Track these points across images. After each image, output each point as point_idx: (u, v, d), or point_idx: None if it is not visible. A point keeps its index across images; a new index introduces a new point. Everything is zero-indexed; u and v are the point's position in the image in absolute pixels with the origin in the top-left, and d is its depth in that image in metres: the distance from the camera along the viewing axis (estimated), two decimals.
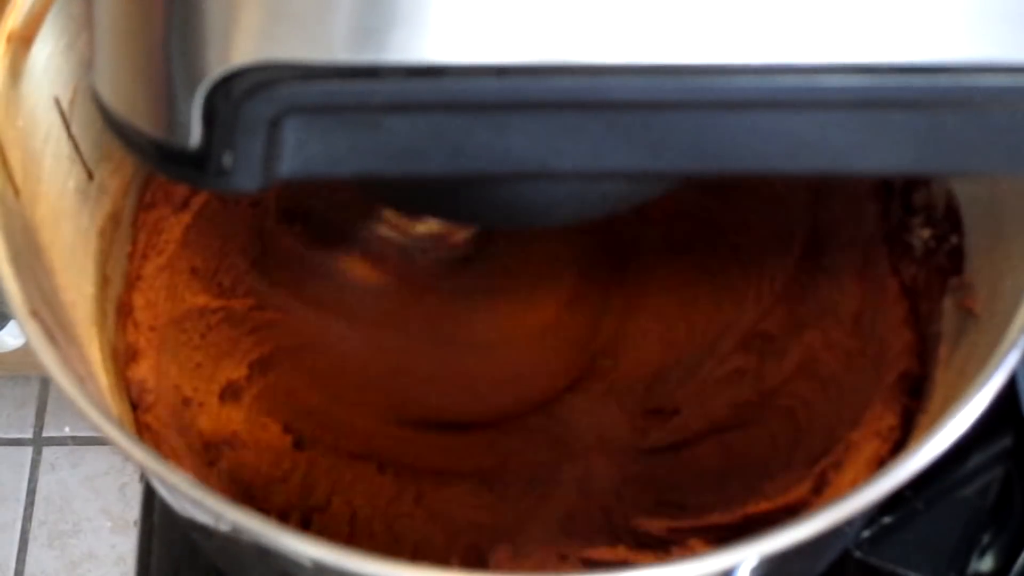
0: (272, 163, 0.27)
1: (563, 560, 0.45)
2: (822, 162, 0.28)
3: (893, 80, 0.26)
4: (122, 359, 0.44)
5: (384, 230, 0.51)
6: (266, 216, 0.51)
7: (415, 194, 0.34)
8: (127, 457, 0.32)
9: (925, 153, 0.27)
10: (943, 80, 0.26)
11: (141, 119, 0.27)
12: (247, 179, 0.27)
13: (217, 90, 0.26)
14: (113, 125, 0.28)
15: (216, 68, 0.25)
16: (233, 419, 0.48)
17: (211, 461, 0.46)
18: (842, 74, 0.26)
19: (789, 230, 0.49)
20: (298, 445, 0.49)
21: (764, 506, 0.43)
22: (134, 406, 0.43)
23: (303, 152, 0.27)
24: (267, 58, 0.25)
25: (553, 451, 0.48)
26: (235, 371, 0.48)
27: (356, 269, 0.51)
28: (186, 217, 0.47)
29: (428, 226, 0.50)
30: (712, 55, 0.26)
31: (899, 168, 0.28)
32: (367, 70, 0.25)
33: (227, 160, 0.26)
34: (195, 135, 0.26)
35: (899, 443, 0.41)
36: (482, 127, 0.27)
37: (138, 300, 0.45)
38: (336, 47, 0.25)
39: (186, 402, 0.46)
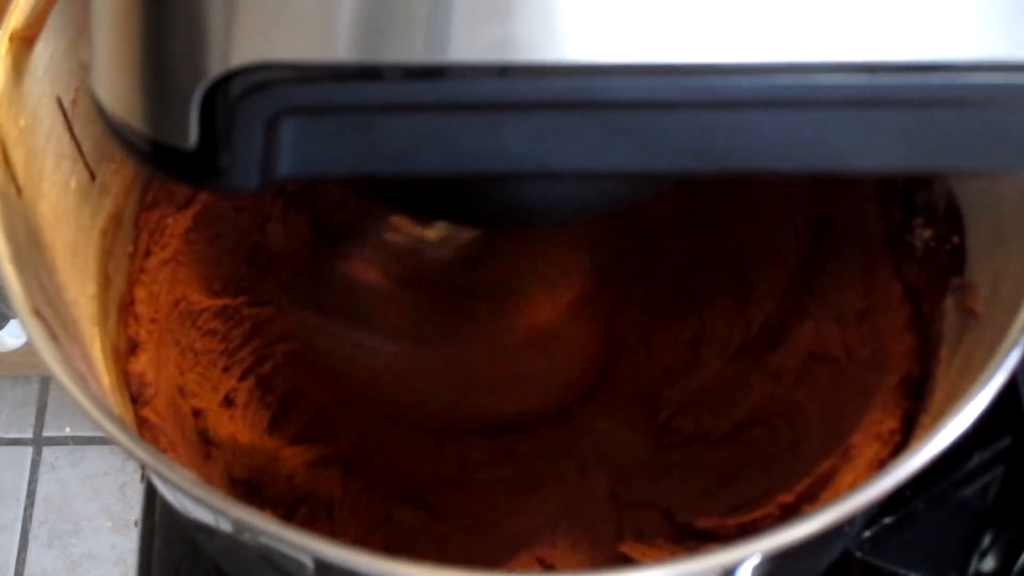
0: (269, 163, 0.27)
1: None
2: (820, 161, 0.28)
3: (890, 79, 0.26)
4: (122, 354, 0.44)
5: (390, 232, 0.50)
6: (267, 216, 0.51)
7: (413, 194, 0.34)
8: (129, 456, 0.32)
9: (923, 151, 0.27)
10: (940, 78, 0.26)
11: (139, 120, 0.27)
12: (244, 179, 0.27)
13: (215, 90, 0.26)
14: (112, 127, 0.28)
15: (215, 68, 0.25)
16: (232, 415, 0.48)
17: (209, 454, 0.46)
18: (839, 73, 0.26)
19: (792, 235, 0.49)
20: (295, 442, 0.49)
21: (764, 511, 0.44)
22: (133, 400, 0.43)
23: (300, 152, 0.27)
24: (266, 58, 0.25)
25: (557, 463, 0.48)
26: (234, 367, 0.48)
27: (359, 269, 0.51)
28: (189, 214, 0.47)
29: (437, 230, 0.50)
30: (709, 54, 0.26)
31: (897, 167, 0.28)
32: (365, 71, 0.25)
33: (224, 160, 0.27)
34: (192, 135, 0.26)
35: (899, 446, 0.41)
36: (480, 127, 0.27)
37: (140, 293, 0.45)
38: (335, 48, 0.25)
39: (185, 396, 0.46)
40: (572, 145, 0.27)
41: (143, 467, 0.36)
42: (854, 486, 0.36)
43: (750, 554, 0.30)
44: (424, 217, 0.47)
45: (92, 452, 1.14)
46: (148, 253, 0.46)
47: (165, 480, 0.32)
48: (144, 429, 0.42)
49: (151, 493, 0.54)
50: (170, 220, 0.47)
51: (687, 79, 0.26)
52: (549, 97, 0.26)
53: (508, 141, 0.27)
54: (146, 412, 0.43)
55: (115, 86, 0.28)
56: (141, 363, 0.44)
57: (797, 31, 0.25)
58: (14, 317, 0.35)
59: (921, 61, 0.26)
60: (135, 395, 0.43)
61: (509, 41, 0.25)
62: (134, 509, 1.11)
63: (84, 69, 0.41)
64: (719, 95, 0.26)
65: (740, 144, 0.27)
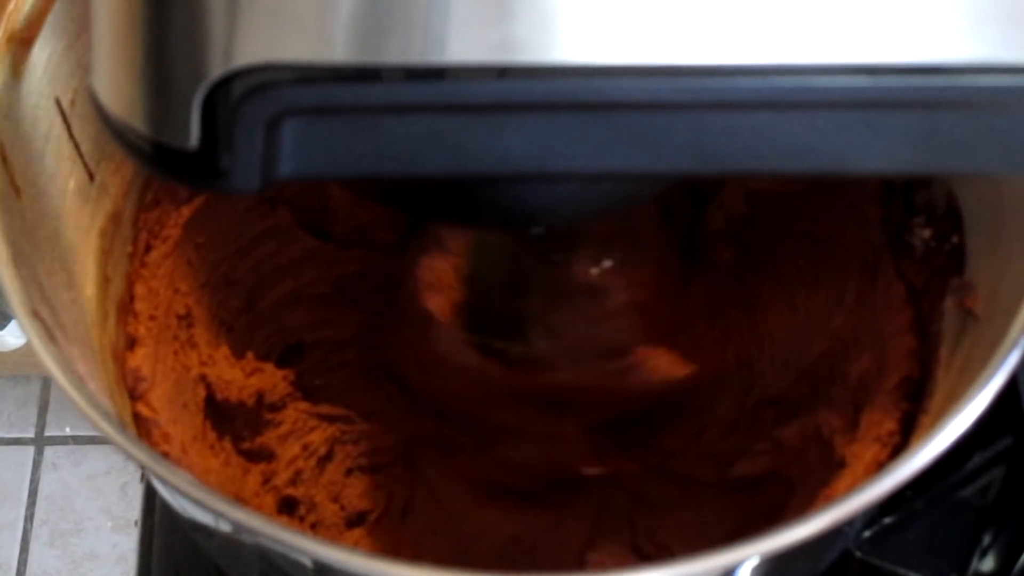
0: (271, 164, 0.27)
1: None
2: (821, 162, 0.28)
3: (892, 80, 0.26)
4: (121, 353, 0.44)
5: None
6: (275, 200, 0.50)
7: (414, 195, 0.34)
8: (128, 457, 0.32)
9: (924, 153, 0.27)
10: (942, 80, 0.26)
11: (139, 120, 0.27)
12: (245, 180, 0.27)
13: (216, 91, 0.26)
14: (111, 127, 0.28)
15: (216, 69, 0.25)
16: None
17: (210, 446, 0.46)
18: (841, 75, 0.26)
19: (796, 237, 0.49)
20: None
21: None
22: (129, 396, 0.43)
23: (302, 153, 0.27)
24: (267, 59, 0.25)
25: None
26: (232, 363, 0.49)
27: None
28: (188, 211, 0.47)
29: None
30: (711, 56, 0.25)
31: (899, 168, 0.28)
32: (366, 72, 0.25)
33: (225, 161, 0.26)
34: (194, 136, 0.26)
35: (899, 448, 0.41)
36: (481, 128, 0.27)
37: (139, 290, 0.45)
38: (336, 49, 0.25)
39: (183, 390, 0.46)
40: (573, 146, 0.27)
41: (142, 467, 0.36)
42: (853, 488, 0.36)
43: (749, 555, 0.30)
44: (423, 218, 0.47)
45: (93, 451, 1.14)
46: (148, 248, 0.46)
47: (163, 481, 0.32)
48: (138, 424, 0.42)
49: (151, 493, 0.54)
50: (171, 215, 0.47)
51: (689, 80, 0.26)
52: (550, 98, 0.26)
53: (509, 142, 0.27)
54: (139, 407, 0.43)
55: (116, 86, 0.28)
56: (137, 358, 0.44)
57: (800, 33, 0.25)
58: (14, 317, 0.35)
59: (924, 63, 0.26)
60: (130, 390, 0.43)
61: (509, 42, 0.25)
62: (135, 508, 1.11)
63: (84, 69, 0.41)
64: (722, 96, 0.26)
65: (743, 146, 0.27)
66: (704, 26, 0.25)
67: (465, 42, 0.25)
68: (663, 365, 0.48)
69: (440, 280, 0.48)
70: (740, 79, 0.26)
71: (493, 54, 0.25)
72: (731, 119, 0.27)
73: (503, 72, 0.25)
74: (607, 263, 0.50)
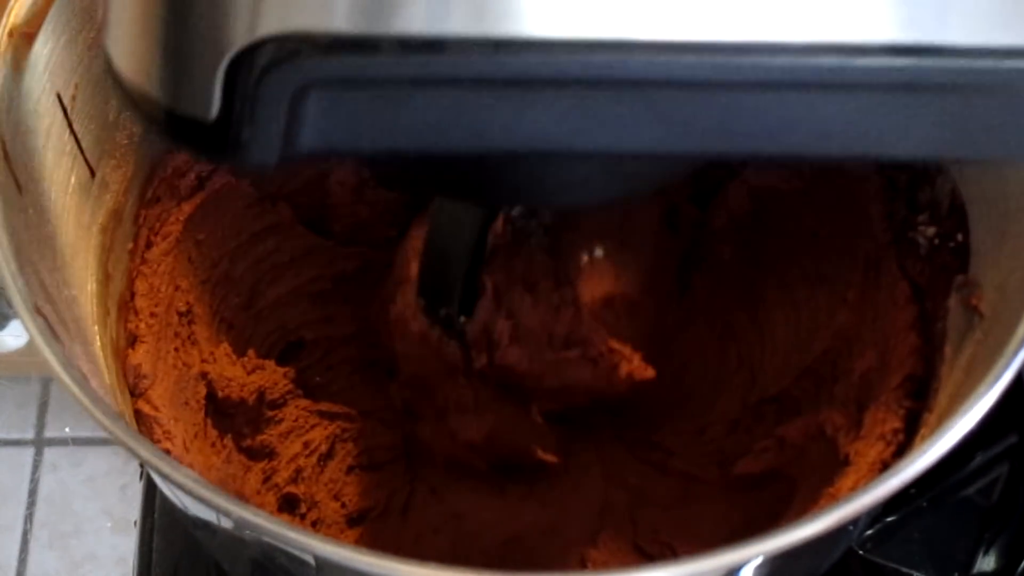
0: (291, 138, 0.26)
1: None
2: (854, 146, 0.27)
3: (927, 62, 0.25)
4: (122, 350, 0.43)
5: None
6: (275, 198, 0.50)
7: (434, 170, 0.33)
8: (131, 454, 0.32)
9: (959, 138, 0.27)
10: (978, 63, 0.25)
11: (156, 88, 0.26)
12: (265, 153, 0.26)
13: (240, 61, 0.25)
14: (123, 92, 0.27)
15: (242, 38, 0.24)
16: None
17: (212, 443, 0.46)
18: (875, 55, 0.25)
19: (798, 234, 0.49)
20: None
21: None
22: (130, 393, 0.43)
23: (324, 127, 0.26)
24: (292, 28, 0.24)
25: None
26: (233, 361, 0.48)
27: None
28: (188, 207, 0.47)
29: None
30: (743, 33, 0.25)
31: (932, 152, 0.27)
32: (391, 42, 0.24)
33: (246, 134, 0.25)
34: (214, 107, 0.25)
35: (903, 446, 0.40)
36: (506, 104, 0.26)
37: (140, 287, 0.45)
38: (361, 18, 0.24)
39: (183, 387, 0.46)
40: (600, 125, 0.26)
41: (141, 465, 0.35)
42: (857, 486, 0.36)
43: (753, 555, 0.30)
44: (435, 193, 0.46)
45: (93, 453, 1.14)
46: (149, 245, 0.46)
47: (167, 479, 0.32)
48: (139, 421, 0.42)
49: (150, 492, 0.54)
50: (171, 212, 0.47)
51: (720, 59, 0.25)
52: (576, 75, 0.25)
53: (534, 119, 0.26)
54: (140, 404, 0.42)
55: (132, 51, 0.26)
56: (138, 355, 0.44)
57: (835, 11, 0.24)
58: (15, 317, 0.35)
59: (959, 45, 0.25)
60: (131, 387, 0.43)
61: (533, 16, 0.24)
62: (135, 510, 1.10)
63: (85, 65, 0.41)
64: (753, 76, 0.25)
65: (773, 127, 0.26)
66: (735, 2, 0.25)
67: (492, 14, 0.24)
68: (630, 364, 0.48)
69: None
70: (772, 58, 0.25)
71: (517, 26, 0.24)
72: (762, 99, 0.26)
73: (526, 47, 0.25)
74: (598, 253, 0.50)
